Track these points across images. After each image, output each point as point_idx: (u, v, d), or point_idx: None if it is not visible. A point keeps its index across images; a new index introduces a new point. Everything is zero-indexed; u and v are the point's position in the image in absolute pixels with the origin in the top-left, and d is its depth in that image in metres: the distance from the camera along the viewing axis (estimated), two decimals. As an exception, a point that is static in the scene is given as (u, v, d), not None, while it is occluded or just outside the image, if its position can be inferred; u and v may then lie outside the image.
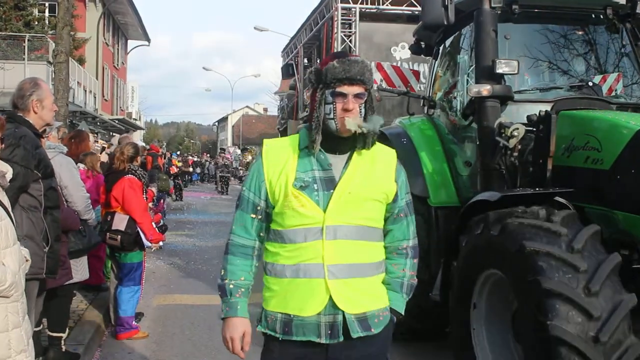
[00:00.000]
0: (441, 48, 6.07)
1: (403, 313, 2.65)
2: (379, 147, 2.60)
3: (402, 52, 10.18)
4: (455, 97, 5.73)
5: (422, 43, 6.35)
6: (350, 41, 9.66)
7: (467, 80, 5.35)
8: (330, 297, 2.45)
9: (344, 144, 2.53)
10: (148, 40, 38.20)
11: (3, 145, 3.20)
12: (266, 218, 2.59)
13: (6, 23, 21.94)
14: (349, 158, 2.55)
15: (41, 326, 5.01)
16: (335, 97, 2.47)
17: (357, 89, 2.48)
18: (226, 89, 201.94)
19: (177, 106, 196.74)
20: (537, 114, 4.52)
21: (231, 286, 2.55)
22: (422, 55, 6.72)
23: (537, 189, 4.29)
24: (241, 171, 27.42)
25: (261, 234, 2.61)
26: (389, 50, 9.97)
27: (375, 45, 10.03)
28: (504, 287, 3.98)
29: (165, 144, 42.54)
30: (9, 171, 3.16)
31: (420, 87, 10.13)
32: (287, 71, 13.79)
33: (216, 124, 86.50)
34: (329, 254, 2.44)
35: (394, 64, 9.99)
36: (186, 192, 25.94)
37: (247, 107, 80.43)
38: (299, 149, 2.54)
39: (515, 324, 4.08)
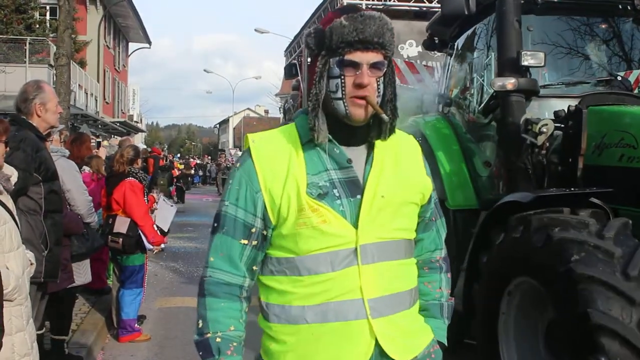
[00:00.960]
0: (457, 43, 5.79)
1: (447, 344, 2.04)
2: (397, 133, 1.92)
3: (409, 50, 9.92)
4: (472, 94, 5.47)
5: (435, 38, 6.09)
6: None
7: (483, 76, 5.16)
8: (377, 343, 1.78)
9: (360, 131, 1.84)
10: (149, 42, 38.27)
11: (7, 149, 3.20)
12: (262, 244, 1.84)
13: (7, 26, 21.99)
14: (370, 149, 1.86)
15: (44, 329, 5.01)
16: (343, 68, 1.76)
17: (375, 56, 1.76)
18: (227, 91, 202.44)
19: (178, 108, 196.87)
20: (566, 110, 4.26)
21: (218, 340, 1.77)
22: (435, 52, 6.58)
23: (572, 189, 4.02)
24: None
25: (254, 268, 1.84)
26: (397, 48, 9.81)
27: None
28: (536, 295, 3.73)
29: (166, 146, 42.51)
30: (13, 174, 3.16)
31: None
32: (290, 71, 13.46)
33: (217, 126, 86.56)
34: (368, 284, 1.77)
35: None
36: (188, 195, 25.94)
37: (248, 109, 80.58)
38: (300, 142, 1.83)
39: (549, 337, 3.84)
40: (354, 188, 1.79)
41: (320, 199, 1.75)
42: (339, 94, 1.76)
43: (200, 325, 1.79)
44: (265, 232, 1.82)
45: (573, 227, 3.48)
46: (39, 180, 3.79)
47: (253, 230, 1.80)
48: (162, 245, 6.37)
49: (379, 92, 1.79)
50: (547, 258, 3.47)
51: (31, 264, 3.16)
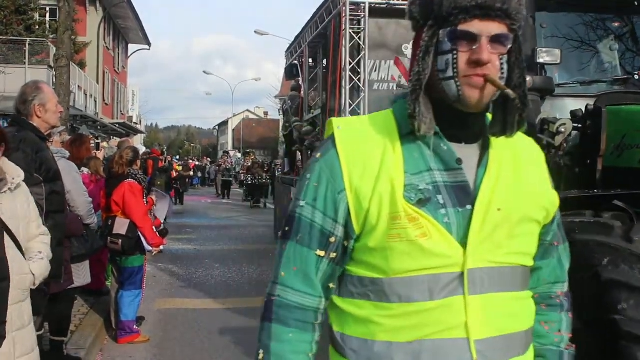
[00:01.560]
0: None
1: None
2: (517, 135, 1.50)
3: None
4: None
5: None
6: (360, 38, 9.17)
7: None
8: None
9: (474, 124, 1.45)
10: (148, 44, 38.27)
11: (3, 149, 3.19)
12: (342, 258, 1.47)
13: (7, 27, 22.01)
14: (484, 149, 1.47)
15: (43, 330, 5.01)
16: (457, 42, 1.37)
17: (497, 27, 1.37)
18: (227, 93, 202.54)
19: (177, 110, 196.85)
20: (584, 109, 4.08)
21: None
22: None
23: (595, 190, 3.87)
24: (242, 175, 26.93)
25: (330, 285, 1.48)
26: (400, 48, 9.45)
27: (385, 43, 9.55)
28: None
29: (165, 147, 42.51)
30: (18, 176, 3.14)
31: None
32: (292, 72, 13.29)
33: (217, 127, 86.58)
34: (476, 321, 1.38)
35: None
36: (187, 197, 25.95)
37: (247, 110, 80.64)
38: (399, 133, 1.44)
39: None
40: (463, 196, 1.40)
41: (420, 205, 1.36)
42: (450, 73, 1.36)
43: (261, 357, 1.46)
44: (346, 243, 1.45)
45: (598, 230, 3.31)
46: (40, 180, 3.79)
47: (332, 239, 1.43)
48: (161, 247, 6.38)
49: (502, 74, 1.38)
50: (572, 262, 3.33)
51: (33, 274, 3.12)
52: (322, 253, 1.43)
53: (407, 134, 1.42)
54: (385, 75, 9.57)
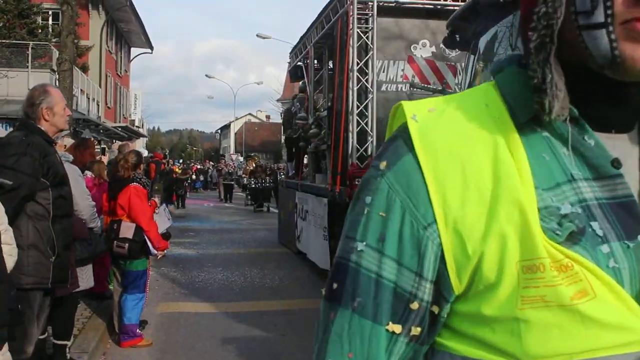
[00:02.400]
0: (481, 40, 5.22)
1: None
2: None
3: (422, 51, 9.25)
4: None
5: (457, 35, 5.59)
6: (367, 37, 8.83)
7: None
8: None
9: (631, 101, 0.84)
10: (151, 47, 38.33)
11: None
12: (430, 331, 0.89)
13: (10, 31, 22.05)
14: None
15: (46, 334, 5.01)
16: None
17: None
18: (229, 97, 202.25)
19: (179, 113, 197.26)
20: None
21: None
22: (455, 50, 6.18)
23: None
24: (245, 179, 26.69)
25: None
26: (409, 48, 9.18)
27: (394, 43, 9.20)
28: None
29: (167, 151, 42.58)
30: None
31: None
32: (296, 73, 12.90)
33: (219, 131, 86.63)
34: None
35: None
36: (189, 200, 25.97)
37: (249, 114, 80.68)
38: (513, 121, 0.85)
39: None
40: (631, 220, 0.82)
41: (572, 243, 0.80)
42: (600, 17, 0.77)
43: None
44: (436, 310, 0.87)
45: None
46: (47, 185, 3.78)
47: (414, 305, 0.86)
48: (165, 251, 6.39)
49: None
50: None
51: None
52: (397, 328, 0.86)
53: (527, 121, 0.85)
54: (394, 75, 9.28)
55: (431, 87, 7.21)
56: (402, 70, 9.28)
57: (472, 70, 5.43)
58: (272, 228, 16.23)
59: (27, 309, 3.74)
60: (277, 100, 63.27)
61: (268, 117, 77.54)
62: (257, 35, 34.81)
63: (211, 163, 49.32)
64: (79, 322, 6.24)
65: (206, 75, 70.85)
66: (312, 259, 10.37)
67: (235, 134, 72.04)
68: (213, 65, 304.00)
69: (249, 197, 23.89)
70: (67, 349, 5.15)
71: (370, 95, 8.92)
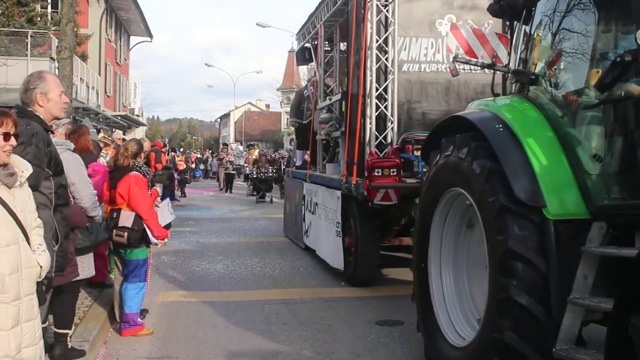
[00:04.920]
0: (537, 7, 4.69)
1: None
2: None
3: (447, 27, 7.99)
4: (570, 65, 4.38)
5: (503, 3, 4.98)
6: (388, 11, 7.83)
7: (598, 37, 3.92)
8: None
9: None
10: (150, 36, 38.21)
11: (16, 142, 3.16)
12: None
13: (9, 19, 21.98)
14: None
15: (47, 323, 5.01)
16: None
17: None
18: (228, 85, 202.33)
19: (179, 102, 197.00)
20: None
21: None
22: (505, 20, 5.38)
23: None
24: (247, 168, 26.29)
25: None
26: (434, 25, 8.10)
27: (416, 18, 8.12)
28: None
29: (167, 140, 42.56)
30: (26, 170, 3.13)
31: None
32: (304, 56, 11.58)
33: (218, 120, 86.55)
34: None
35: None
36: (189, 189, 25.95)
37: (249, 103, 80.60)
38: None
39: None
40: None
41: None
42: None
43: None
44: None
45: None
46: (50, 174, 3.77)
47: None
48: (165, 240, 6.38)
49: None
50: None
51: (40, 266, 3.11)
52: None
53: None
54: (416, 54, 8.14)
55: (479, 61, 6.23)
56: (426, 48, 8.13)
57: (525, 41, 4.86)
58: (272, 217, 16.23)
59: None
60: (277, 89, 63.23)
61: (268, 106, 77.51)
62: (257, 24, 34.74)
63: (210, 151, 49.25)
64: (79, 311, 6.23)
65: (206, 64, 70.80)
66: (321, 255, 9.66)
67: (235, 122, 72.03)
68: (213, 54, 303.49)
69: (251, 187, 23.77)
70: (68, 338, 5.15)
71: (390, 76, 7.85)
